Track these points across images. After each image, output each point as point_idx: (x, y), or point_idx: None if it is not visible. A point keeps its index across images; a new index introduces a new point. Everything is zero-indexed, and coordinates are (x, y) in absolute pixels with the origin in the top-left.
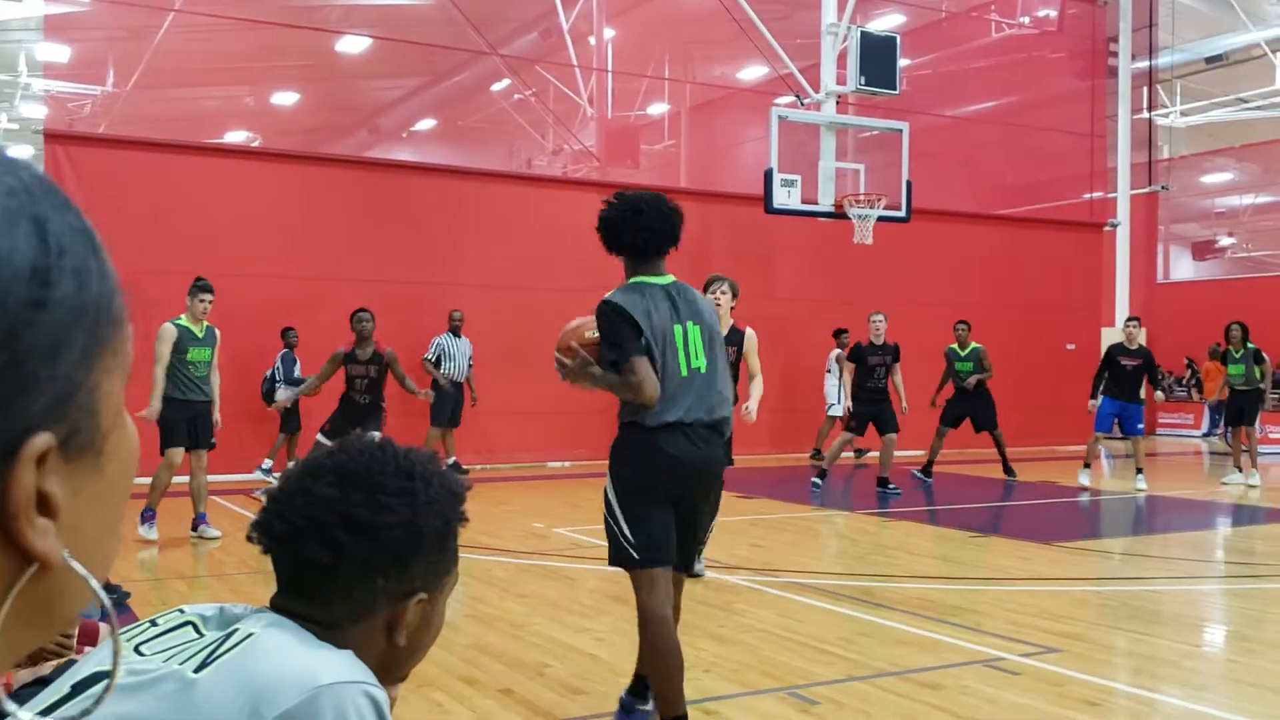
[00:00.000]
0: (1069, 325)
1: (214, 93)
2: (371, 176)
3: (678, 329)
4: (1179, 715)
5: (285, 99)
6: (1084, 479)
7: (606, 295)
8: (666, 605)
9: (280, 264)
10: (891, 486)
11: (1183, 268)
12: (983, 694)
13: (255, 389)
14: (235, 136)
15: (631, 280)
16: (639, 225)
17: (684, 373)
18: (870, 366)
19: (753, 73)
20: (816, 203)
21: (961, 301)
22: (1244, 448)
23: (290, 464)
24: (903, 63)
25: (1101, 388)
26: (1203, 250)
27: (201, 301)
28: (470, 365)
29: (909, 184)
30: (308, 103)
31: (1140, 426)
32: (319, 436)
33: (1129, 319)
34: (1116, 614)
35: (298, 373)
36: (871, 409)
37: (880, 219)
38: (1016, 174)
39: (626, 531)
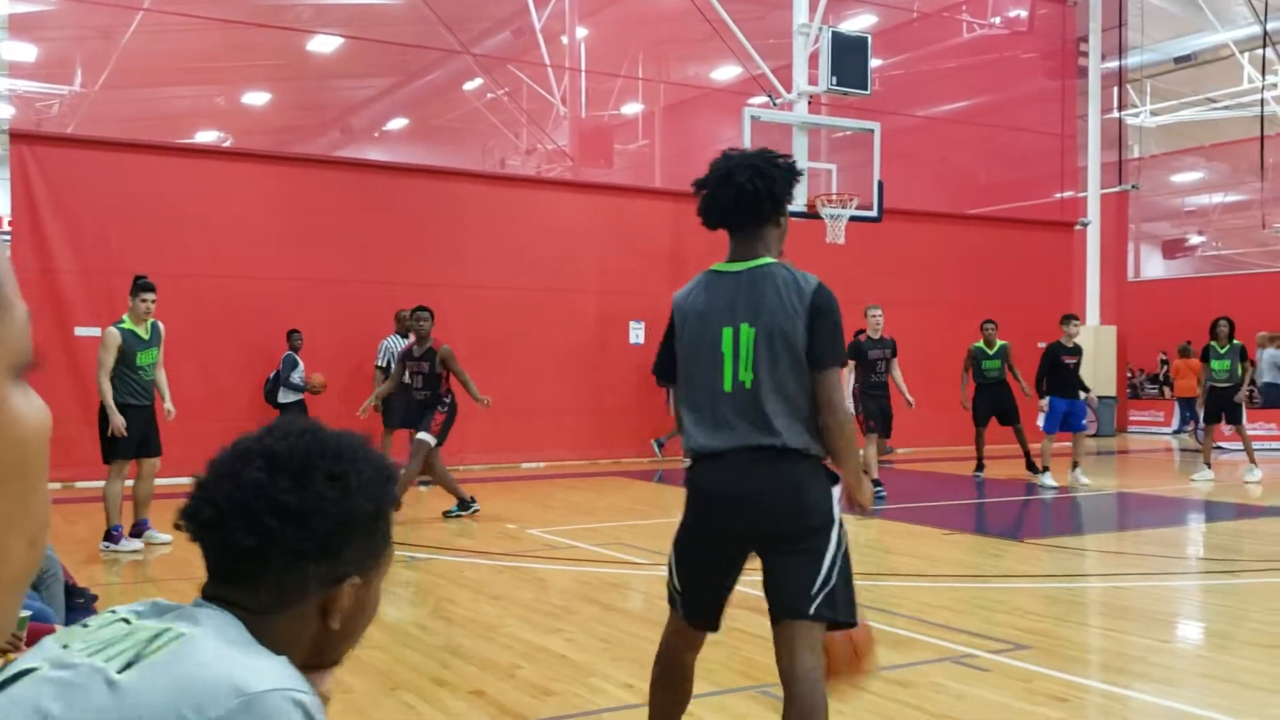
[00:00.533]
0: (1040, 324)
1: (184, 92)
2: (343, 176)
3: (727, 332)
4: (1148, 710)
5: (256, 99)
6: (1049, 480)
7: None
8: (684, 652)
9: (252, 265)
10: (878, 487)
11: (1153, 266)
12: (952, 690)
13: (229, 389)
14: (206, 136)
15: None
16: (717, 196)
17: (727, 387)
18: (872, 361)
19: (726, 73)
20: (790, 202)
21: (933, 301)
22: (1215, 444)
23: None
24: (874, 63)
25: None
26: (1173, 249)
27: (144, 301)
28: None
29: (880, 184)
30: (279, 102)
31: (1085, 423)
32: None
33: (1067, 316)
34: (1086, 610)
35: (297, 376)
36: (880, 404)
37: (852, 219)
38: (988, 173)
39: (671, 574)
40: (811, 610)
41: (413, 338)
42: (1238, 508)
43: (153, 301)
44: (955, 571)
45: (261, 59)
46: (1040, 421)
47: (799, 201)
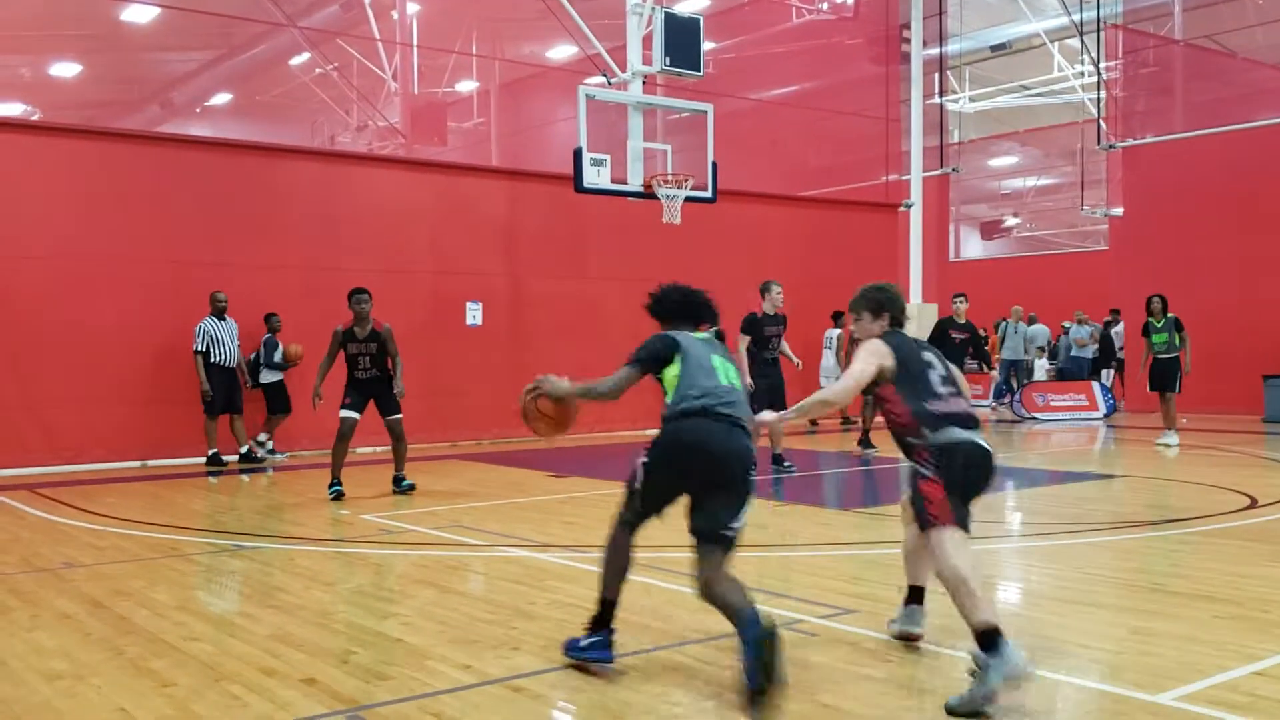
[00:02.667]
0: None
1: None
2: (165, 153)
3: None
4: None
5: (66, 70)
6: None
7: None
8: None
9: (64, 244)
10: (786, 464)
11: (972, 246)
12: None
13: (30, 375)
14: (10, 110)
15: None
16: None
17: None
18: (766, 337)
19: (562, 52)
20: (626, 182)
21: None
22: (1030, 415)
23: (266, 440)
24: (707, 46)
25: None
26: (990, 230)
27: None
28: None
29: (714, 165)
30: (91, 75)
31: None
32: (345, 413)
33: (957, 295)
34: None
35: (279, 356)
36: (770, 381)
37: (688, 199)
38: (818, 156)
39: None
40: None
41: (351, 319)
42: (1050, 474)
43: None
44: (787, 542)
45: (70, 28)
46: None
47: (635, 182)
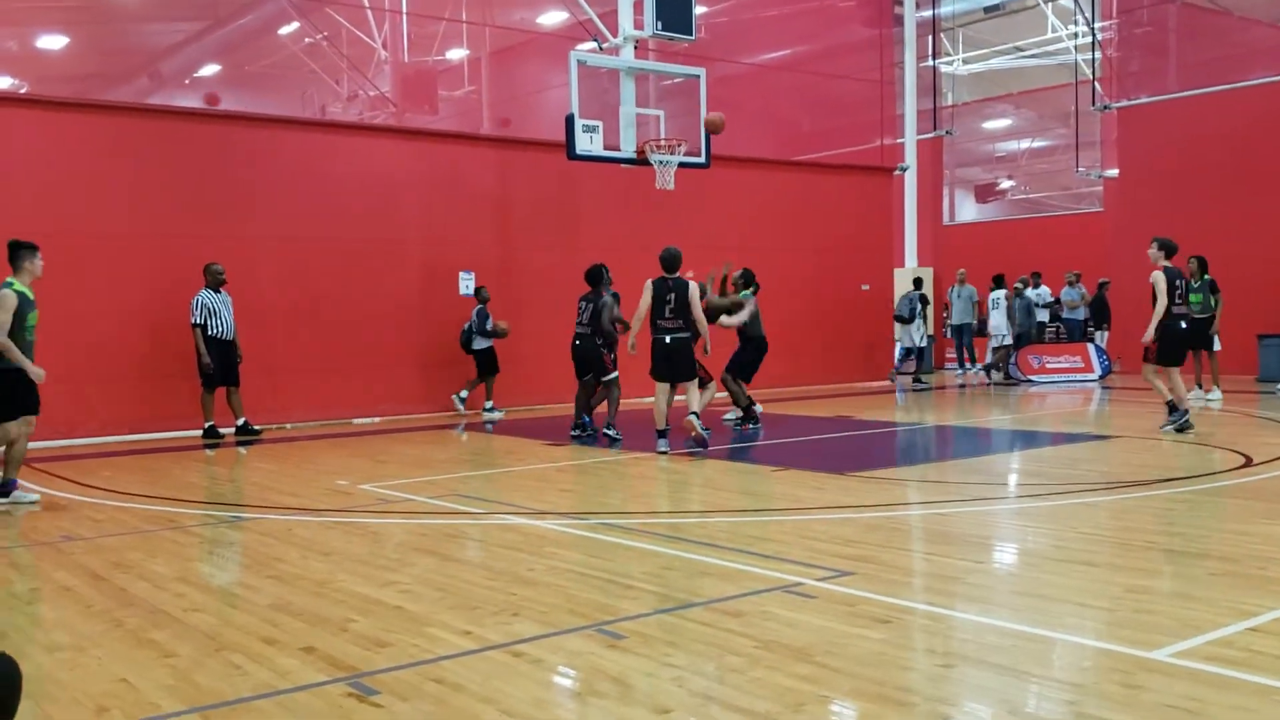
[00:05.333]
0: (863, 267)
1: None
2: (154, 124)
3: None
4: (966, 627)
5: (53, 42)
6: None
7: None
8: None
9: (54, 217)
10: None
11: (967, 210)
12: (783, 618)
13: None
14: None
15: None
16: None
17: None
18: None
19: (553, 18)
20: (619, 149)
21: (761, 245)
22: (1026, 378)
23: (489, 403)
24: (699, 10)
25: None
26: (985, 193)
27: (39, 263)
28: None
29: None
30: (79, 46)
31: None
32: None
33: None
34: (907, 537)
35: (490, 326)
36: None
37: (681, 165)
38: (812, 120)
39: None
40: None
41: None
42: (1053, 435)
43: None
44: (782, 506)
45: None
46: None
47: (628, 148)
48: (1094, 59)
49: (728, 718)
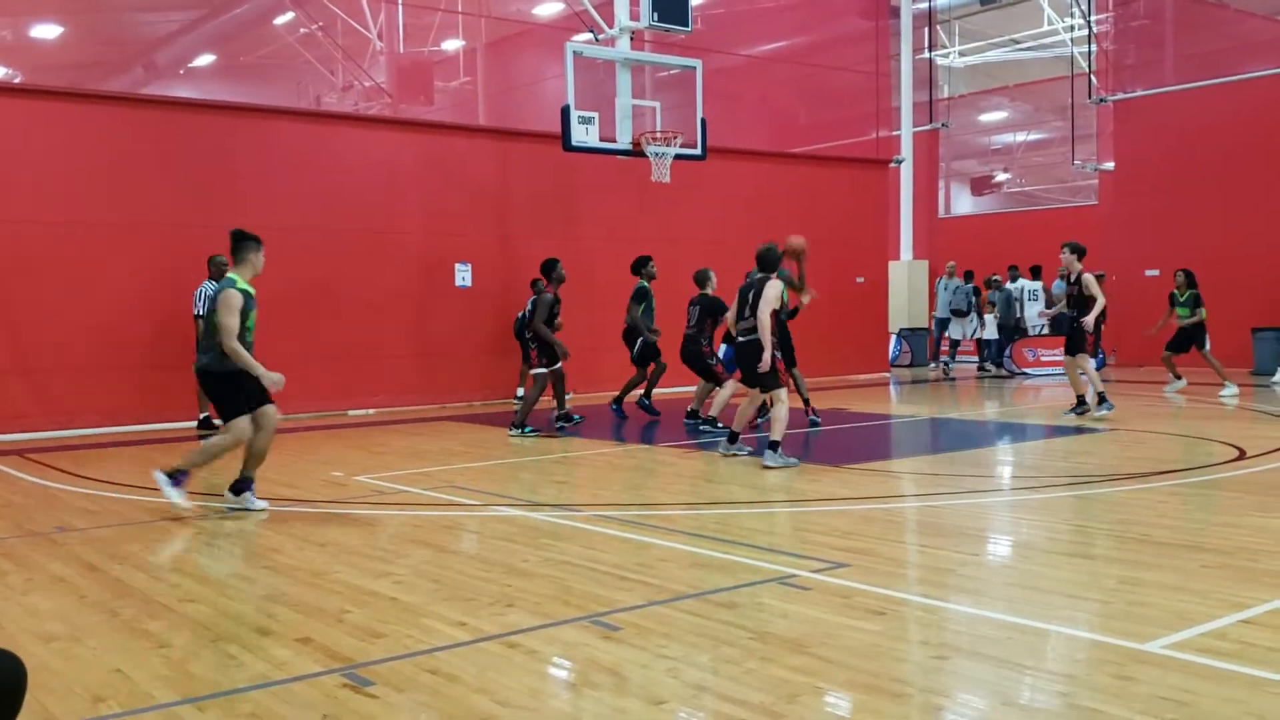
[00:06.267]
0: (859, 259)
1: None
2: (149, 115)
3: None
4: (960, 619)
5: (47, 32)
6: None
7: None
8: None
9: (51, 208)
10: (720, 425)
11: (962, 203)
12: (776, 609)
13: (28, 343)
14: None
15: None
16: None
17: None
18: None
19: (549, 8)
20: (615, 140)
21: (756, 237)
22: (1021, 370)
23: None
24: (695, 1)
25: None
26: (980, 185)
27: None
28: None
29: (703, 122)
30: (73, 36)
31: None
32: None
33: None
34: (901, 529)
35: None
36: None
37: (677, 157)
38: (808, 112)
39: None
40: None
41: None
42: (1047, 428)
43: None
44: (776, 498)
45: None
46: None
47: (624, 140)
48: (1090, 52)
49: (722, 709)
